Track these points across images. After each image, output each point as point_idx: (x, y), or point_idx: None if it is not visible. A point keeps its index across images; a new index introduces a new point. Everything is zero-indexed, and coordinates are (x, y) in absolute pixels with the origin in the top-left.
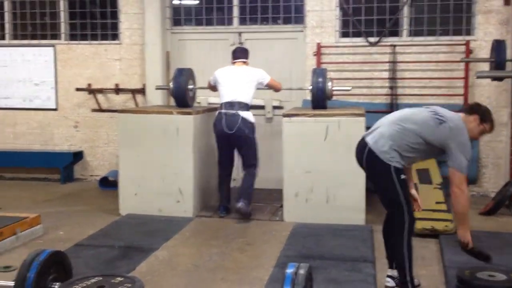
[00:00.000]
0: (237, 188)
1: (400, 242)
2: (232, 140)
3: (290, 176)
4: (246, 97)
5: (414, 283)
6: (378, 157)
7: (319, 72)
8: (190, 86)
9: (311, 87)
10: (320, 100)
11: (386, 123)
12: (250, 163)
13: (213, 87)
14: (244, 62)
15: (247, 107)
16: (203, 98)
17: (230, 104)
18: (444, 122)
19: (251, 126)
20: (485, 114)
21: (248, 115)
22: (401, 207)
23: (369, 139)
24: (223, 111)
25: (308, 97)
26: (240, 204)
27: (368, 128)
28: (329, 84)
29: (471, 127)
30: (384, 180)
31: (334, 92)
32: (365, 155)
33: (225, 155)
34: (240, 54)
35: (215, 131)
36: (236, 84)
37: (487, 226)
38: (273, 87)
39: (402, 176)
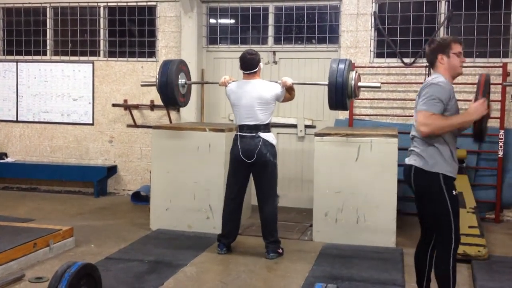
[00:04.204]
0: (262, 232)
1: (447, 263)
2: (251, 166)
3: (320, 195)
4: (265, 117)
5: None
6: (424, 171)
7: (339, 62)
8: (182, 81)
9: (327, 82)
10: (339, 97)
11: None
12: (268, 194)
13: None
14: (255, 73)
15: (267, 127)
16: None
17: (248, 127)
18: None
19: (272, 149)
20: (442, 44)
21: (269, 136)
22: (450, 226)
23: (410, 161)
24: (240, 133)
25: (341, 116)
26: (270, 256)
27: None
28: (353, 77)
29: (446, 67)
30: (434, 199)
31: (361, 90)
32: (412, 177)
33: (238, 185)
34: (249, 63)
35: (231, 157)
36: (252, 104)
37: None
38: (286, 100)
39: (454, 192)
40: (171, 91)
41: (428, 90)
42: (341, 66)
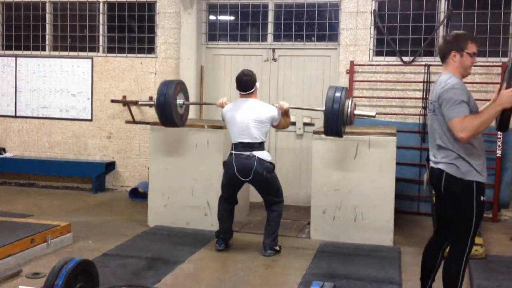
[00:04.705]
0: (264, 228)
1: (458, 265)
2: (247, 181)
3: (318, 193)
4: (260, 135)
5: None
6: (457, 178)
7: (335, 90)
8: (180, 101)
9: (324, 109)
10: (334, 126)
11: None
12: (274, 201)
13: None
14: (252, 93)
15: (261, 146)
16: None
17: (243, 145)
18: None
19: (268, 166)
20: (458, 40)
21: (263, 154)
22: (470, 230)
23: (438, 165)
24: (235, 152)
25: None
26: (268, 253)
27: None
28: (349, 105)
29: (457, 66)
30: (461, 202)
31: (357, 118)
32: (443, 182)
33: (232, 194)
34: (245, 85)
35: (225, 173)
36: (247, 122)
37: None
38: (281, 126)
39: (482, 198)
40: (169, 111)
41: (449, 96)
42: (338, 94)
